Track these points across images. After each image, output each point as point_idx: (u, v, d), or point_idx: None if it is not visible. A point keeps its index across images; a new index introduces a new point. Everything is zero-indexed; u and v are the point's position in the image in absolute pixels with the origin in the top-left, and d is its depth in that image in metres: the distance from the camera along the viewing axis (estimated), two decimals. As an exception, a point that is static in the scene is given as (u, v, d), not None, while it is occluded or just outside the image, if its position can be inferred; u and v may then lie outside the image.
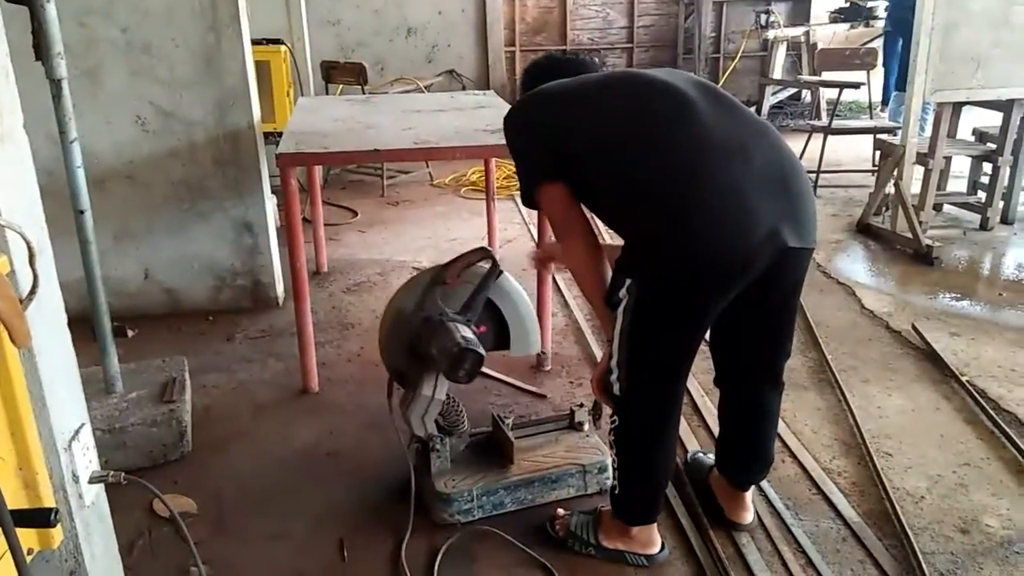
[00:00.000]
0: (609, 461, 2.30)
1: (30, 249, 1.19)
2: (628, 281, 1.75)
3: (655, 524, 2.03)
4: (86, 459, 1.45)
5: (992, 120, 4.62)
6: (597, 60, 2.11)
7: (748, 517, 2.12)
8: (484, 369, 2.35)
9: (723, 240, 1.65)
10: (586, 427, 2.38)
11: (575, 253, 1.88)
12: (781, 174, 1.71)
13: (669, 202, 1.67)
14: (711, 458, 2.26)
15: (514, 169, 2.01)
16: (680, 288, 1.72)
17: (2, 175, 1.23)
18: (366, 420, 2.68)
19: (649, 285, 1.73)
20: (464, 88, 7.87)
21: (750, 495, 2.13)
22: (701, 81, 1.85)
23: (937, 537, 2.09)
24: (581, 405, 2.41)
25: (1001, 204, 4.59)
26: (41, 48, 2.09)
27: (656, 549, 2.03)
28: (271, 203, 3.66)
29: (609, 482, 2.28)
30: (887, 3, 7.31)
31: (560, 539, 2.08)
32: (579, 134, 1.81)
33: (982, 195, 4.67)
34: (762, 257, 1.67)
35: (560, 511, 2.15)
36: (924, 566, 1.94)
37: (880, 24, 7.81)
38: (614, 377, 1.86)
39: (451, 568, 2.01)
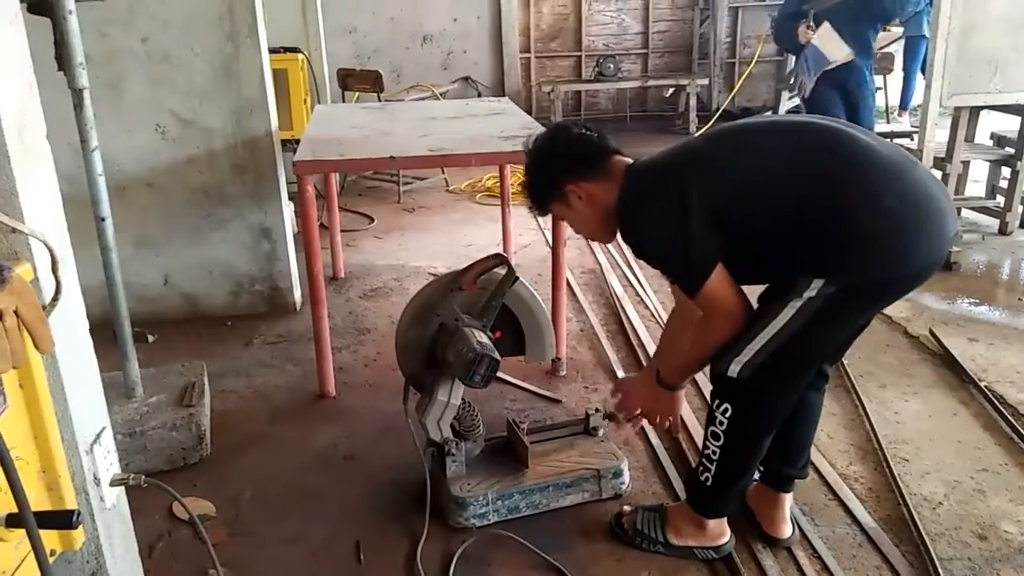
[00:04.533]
0: (625, 466, 2.30)
1: (53, 257, 1.21)
2: (814, 280, 1.69)
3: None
4: (107, 462, 1.48)
5: (1010, 124, 4.58)
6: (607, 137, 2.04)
7: (787, 530, 2.08)
8: (499, 374, 2.36)
9: (934, 243, 1.71)
10: (601, 432, 2.38)
11: (733, 324, 1.80)
12: (934, 180, 1.78)
13: (885, 203, 1.67)
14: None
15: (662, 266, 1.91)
16: (883, 289, 1.77)
17: (26, 185, 1.26)
18: (382, 424, 2.70)
19: (850, 283, 1.70)
20: (479, 95, 7.91)
21: (789, 505, 2.11)
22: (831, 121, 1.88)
23: (954, 543, 2.08)
24: (596, 410, 2.41)
25: (1020, 208, 4.54)
26: (63, 59, 2.13)
27: (725, 539, 2.04)
28: (288, 209, 3.70)
29: (624, 486, 2.29)
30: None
31: (627, 537, 2.09)
32: (744, 178, 1.78)
33: (1000, 199, 4.63)
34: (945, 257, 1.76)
35: (626, 508, 2.16)
36: (941, 572, 1.93)
37: (896, 30, 7.76)
38: (742, 359, 1.79)
39: (466, 572, 2.02)
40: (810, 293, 1.69)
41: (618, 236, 1.99)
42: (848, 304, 1.74)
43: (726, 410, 1.87)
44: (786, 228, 1.73)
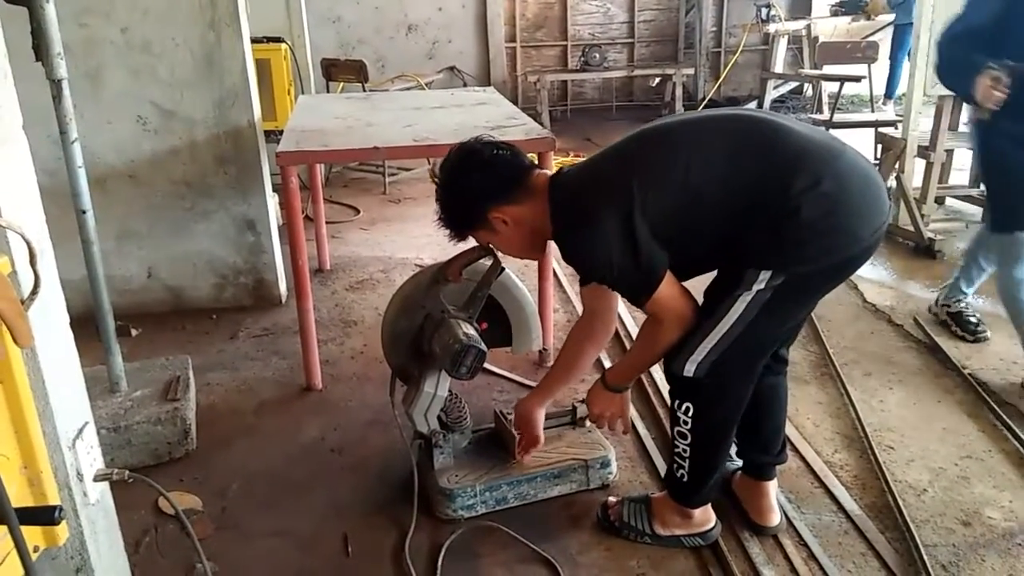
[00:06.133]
0: (612, 455, 2.31)
1: (31, 250, 1.20)
2: (761, 273, 1.69)
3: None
4: (90, 457, 1.46)
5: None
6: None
7: (775, 518, 2.09)
8: (486, 365, 2.36)
9: (873, 219, 1.71)
10: (588, 422, 2.38)
11: (684, 326, 1.80)
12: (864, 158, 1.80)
13: (822, 188, 1.65)
14: (729, 465, 2.24)
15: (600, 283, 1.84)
16: (831, 272, 1.78)
17: (2, 176, 1.24)
18: (369, 417, 2.69)
19: (798, 272, 1.69)
20: (465, 84, 7.87)
21: (774, 493, 2.12)
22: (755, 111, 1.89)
23: (939, 530, 2.09)
24: (583, 401, 2.41)
25: (1003, 196, 4.57)
26: (41, 49, 2.09)
27: (711, 524, 2.05)
28: (273, 201, 3.67)
29: (612, 476, 2.30)
30: None
31: (615, 528, 2.10)
32: (674, 177, 1.74)
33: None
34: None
35: (611, 499, 2.17)
36: (926, 558, 1.95)
37: (882, 17, 7.79)
38: (696, 358, 1.79)
39: (454, 563, 2.02)
40: (759, 286, 1.70)
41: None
42: (797, 292, 1.75)
43: (688, 409, 1.88)
44: (732, 226, 1.72)
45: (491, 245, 2.04)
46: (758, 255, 1.70)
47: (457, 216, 1.95)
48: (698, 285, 1.85)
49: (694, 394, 1.86)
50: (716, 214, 1.73)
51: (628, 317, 3.36)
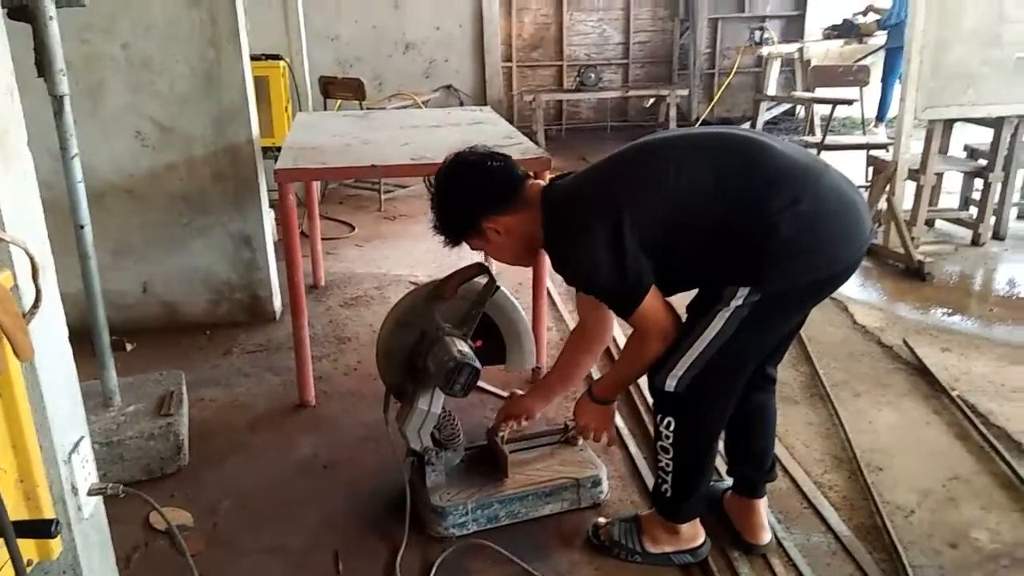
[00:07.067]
0: (604, 474, 2.32)
1: (33, 264, 1.21)
2: (739, 289, 1.71)
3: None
4: (85, 471, 1.47)
5: (983, 137, 4.67)
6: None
7: (766, 536, 2.11)
8: (480, 383, 2.37)
9: (852, 242, 1.75)
10: (580, 441, 2.39)
11: (666, 340, 1.83)
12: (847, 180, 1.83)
13: (801, 207, 1.68)
14: (720, 485, 2.26)
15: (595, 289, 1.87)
16: (809, 291, 1.80)
17: (7, 192, 1.26)
18: (362, 433, 2.70)
19: (775, 290, 1.72)
20: (461, 103, 7.93)
21: (765, 511, 2.14)
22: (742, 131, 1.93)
23: (927, 551, 2.11)
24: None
25: (992, 220, 4.62)
26: (43, 64, 2.12)
27: (700, 541, 2.06)
28: (269, 217, 3.69)
29: (603, 495, 2.31)
30: (891, 21, 7.40)
31: (605, 548, 2.11)
32: (662, 191, 1.78)
33: (974, 211, 4.71)
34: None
35: (601, 520, 2.18)
36: (913, 579, 1.96)
37: (874, 41, 7.90)
38: (677, 372, 1.81)
39: (445, 581, 2.03)
40: (737, 302, 1.72)
41: None
42: (775, 309, 1.77)
43: (669, 424, 1.90)
44: (712, 241, 1.75)
45: (484, 251, 2.07)
46: (736, 271, 1.73)
47: (450, 224, 1.98)
48: (681, 301, 1.88)
49: (675, 408, 1.89)
50: (698, 228, 1.77)
51: (618, 331, 3.37)
